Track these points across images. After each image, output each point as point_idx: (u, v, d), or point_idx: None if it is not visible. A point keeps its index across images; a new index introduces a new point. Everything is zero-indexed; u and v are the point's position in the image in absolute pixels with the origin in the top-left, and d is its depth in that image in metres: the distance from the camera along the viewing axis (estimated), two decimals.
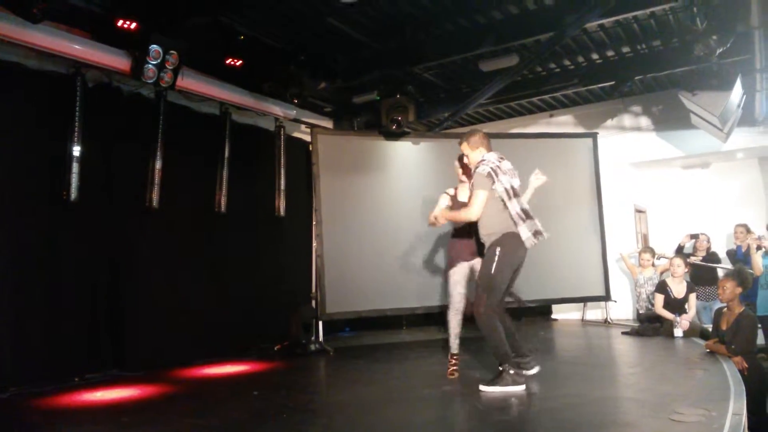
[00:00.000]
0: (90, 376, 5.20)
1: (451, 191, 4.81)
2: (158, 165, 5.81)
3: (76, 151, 5.11)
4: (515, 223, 4.13)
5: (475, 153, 4.38)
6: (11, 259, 4.82)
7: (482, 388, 4.02)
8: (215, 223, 6.52)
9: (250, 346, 6.54)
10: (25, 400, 4.43)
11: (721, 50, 5.74)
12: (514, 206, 4.14)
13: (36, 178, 5.02)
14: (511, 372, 4.02)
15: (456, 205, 4.65)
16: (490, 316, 4.05)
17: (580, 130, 8.81)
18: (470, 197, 4.28)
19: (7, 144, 4.84)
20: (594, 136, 8.19)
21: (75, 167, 5.10)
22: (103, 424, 3.71)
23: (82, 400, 4.45)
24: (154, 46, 5.21)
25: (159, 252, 5.93)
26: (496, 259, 4.09)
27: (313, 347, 6.45)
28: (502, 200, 4.12)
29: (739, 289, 5.07)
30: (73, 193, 5.09)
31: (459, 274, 4.67)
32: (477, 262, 4.51)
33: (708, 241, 7.59)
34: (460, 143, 4.48)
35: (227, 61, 6.13)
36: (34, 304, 4.92)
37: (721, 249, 7.81)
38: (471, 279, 4.62)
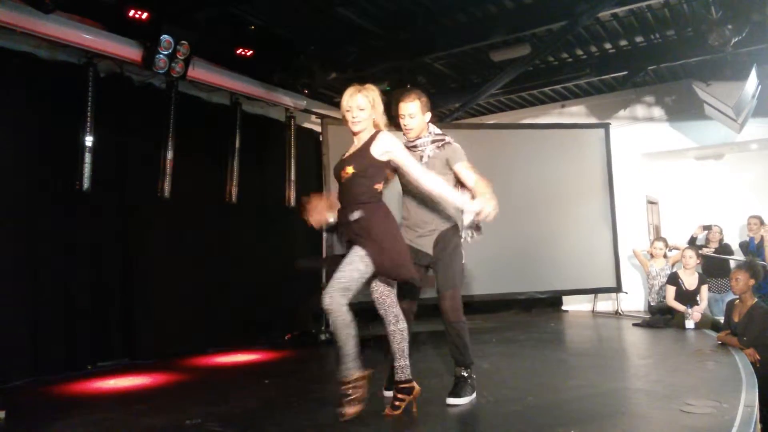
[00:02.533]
0: (102, 364, 5.26)
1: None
2: (169, 155, 5.83)
3: (89, 141, 5.14)
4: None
5: (425, 117, 3.68)
6: (26, 248, 4.87)
7: (451, 401, 3.51)
8: (226, 213, 6.54)
9: (260, 335, 6.58)
10: (39, 388, 4.49)
11: (736, 40, 5.66)
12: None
13: (49, 168, 5.04)
14: (474, 376, 3.67)
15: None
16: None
17: (592, 120, 8.75)
18: (458, 174, 3.59)
19: (19, 133, 4.87)
20: (606, 126, 8.13)
21: (87, 157, 5.13)
22: (116, 412, 3.75)
23: (95, 387, 4.50)
24: (166, 36, 5.22)
25: (170, 241, 5.96)
26: (461, 249, 3.67)
27: (322, 337, 6.47)
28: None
29: (752, 281, 5.05)
30: (86, 183, 5.12)
31: None
32: None
33: (720, 233, 7.53)
34: (414, 99, 3.62)
35: (238, 52, 6.13)
36: (47, 293, 4.97)
37: (733, 241, 7.74)
38: None
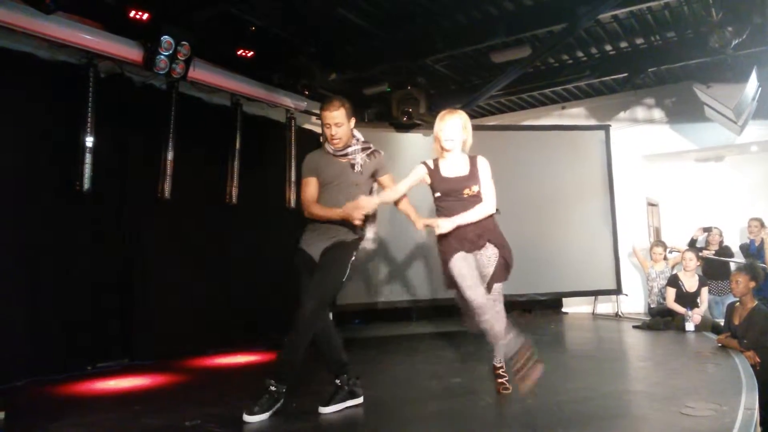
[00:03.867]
0: (102, 365, 5.26)
1: (430, 163, 3.65)
2: (170, 156, 5.82)
3: (89, 141, 5.14)
4: None
5: (351, 124, 3.59)
6: (25, 249, 4.86)
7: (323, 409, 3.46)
8: (226, 214, 6.54)
9: (260, 336, 6.57)
10: (39, 388, 4.48)
11: (736, 42, 5.67)
12: None
13: (49, 169, 5.04)
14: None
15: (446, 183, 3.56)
16: None
17: (593, 122, 8.75)
18: (383, 184, 3.73)
19: (20, 134, 4.86)
20: (606, 128, 8.13)
21: (88, 158, 5.12)
22: (116, 412, 3.74)
23: (95, 388, 4.50)
24: (166, 37, 5.22)
25: (170, 242, 5.96)
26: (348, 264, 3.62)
27: None
28: None
29: (753, 284, 5.05)
30: (86, 184, 5.12)
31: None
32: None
33: (720, 235, 7.53)
34: (339, 107, 3.48)
35: (238, 52, 6.14)
36: (47, 294, 4.96)
37: (734, 243, 7.74)
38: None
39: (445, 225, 3.41)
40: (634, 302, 8.25)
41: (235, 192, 6.54)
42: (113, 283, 5.52)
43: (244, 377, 5.01)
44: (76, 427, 3.40)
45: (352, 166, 3.56)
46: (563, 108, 9.16)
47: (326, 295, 3.49)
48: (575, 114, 9.05)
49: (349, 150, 3.58)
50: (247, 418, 3.26)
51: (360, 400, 3.61)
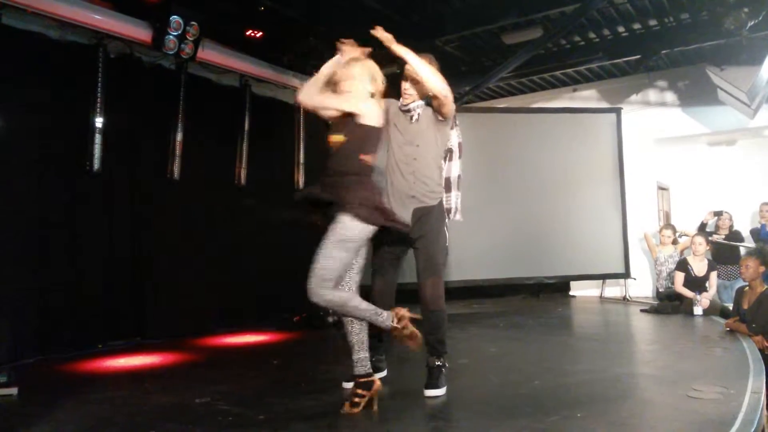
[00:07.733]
0: (113, 343, 5.31)
1: None
2: (179, 137, 5.84)
3: (99, 122, 5.15)
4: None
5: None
6: (35, 229, 4.90)
7: (431, 393, 3.36)
8: (235, 195, 6.56)
9: (269, 317, 6.62)
10: (50, 366, 4.54)
11: (752, 23, 5.58)
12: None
13: (58, 150, 5.06)
14: (447, 365, 3.50)
15: None
16: None
17: (604, 105, 8.67)
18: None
19: (29, 114, 4.87)
20: (618, 111, 8.05)
21: (98, 138, 5.15)
22: (126, 389, 3.79)
23: (106, 366, 4.56)
24: (175, 17, 5.21)
25: (179, 222, 5.99)
26: (446, 227, 3.60)
27: (330, 320, 6.49)
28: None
29: (762, 268, 5.04)
30: (96, 164, 5.15)
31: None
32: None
33: (731, 219, 7.48)
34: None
35: (247, 33, 6.11)
36: (58, 274, 5.01)
37: (744, 227, 7.69)
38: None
39: None
40: (642, 286, 8.22)
41: (243, 173, 6.55)
42: (124, 262, 5.56)
43: (252, 357, 5.06)
44: (87, 404, 3.45)
45: (411, 117, 3.64)
46: (574, 90, 9.08)
47: (440, 272, 3.71)
48: (586, 96, 8.97)
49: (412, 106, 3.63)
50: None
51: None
